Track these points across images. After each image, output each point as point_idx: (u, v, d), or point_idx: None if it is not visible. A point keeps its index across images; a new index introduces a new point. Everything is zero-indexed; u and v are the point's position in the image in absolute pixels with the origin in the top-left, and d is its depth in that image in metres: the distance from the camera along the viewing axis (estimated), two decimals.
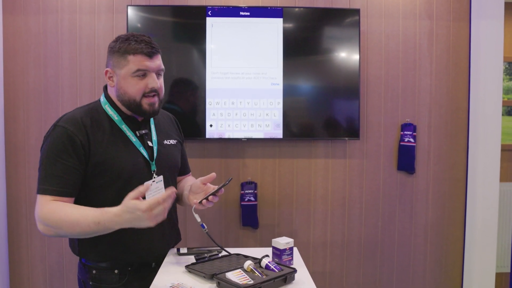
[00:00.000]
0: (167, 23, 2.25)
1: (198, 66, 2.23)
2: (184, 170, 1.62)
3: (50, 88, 2.30)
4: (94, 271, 1.35)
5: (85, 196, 1.30)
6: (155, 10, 2.23)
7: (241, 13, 2.22)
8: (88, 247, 1.34)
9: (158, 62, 1.33)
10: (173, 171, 1.51)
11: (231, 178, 1.37)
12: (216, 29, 2.22)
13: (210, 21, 2.21)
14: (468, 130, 2.42)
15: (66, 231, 1.22)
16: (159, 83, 1.34)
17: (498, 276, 2.55)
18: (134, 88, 1.30)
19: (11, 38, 2.29)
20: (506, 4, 2.38)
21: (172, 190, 1.17)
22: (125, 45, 1.29)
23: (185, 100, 2.24)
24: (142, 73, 1.30)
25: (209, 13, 2.21)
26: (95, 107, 1.37)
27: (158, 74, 1.34)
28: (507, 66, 3.02)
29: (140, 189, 1.16)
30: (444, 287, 2.47)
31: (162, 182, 1.38)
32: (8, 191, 2.32)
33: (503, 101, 2.85)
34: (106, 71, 1.34)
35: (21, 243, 2.34)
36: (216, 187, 1.35)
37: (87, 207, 1.23)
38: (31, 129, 2.31)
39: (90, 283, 1.36)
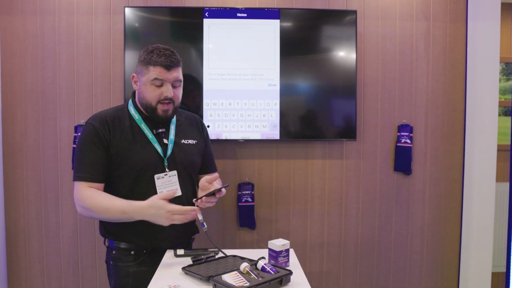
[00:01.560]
0: (164, 25, 2.25)
1: (195, 67, 2.23)
2: (208, 169, 1.75)
3: (47, 89, 2.31)
4: (114, 252, 1.56)
5: (107, 185, 1.52)
6: (152, 12, 2.23)
7: (238, 14, 2.23)
8: (109, 231, 1.55)
9: (175, 74, 1.51)
10: (188, 168, 1.62)
11: (227, 185, 1.55)
12: (213, 30, 2.22)
13: (207, 22, 2.21)
14: (465, 131, 2.43)
15: (98, 215, 1.46)
16: (174, 92, 1.51)
17: (494, 275, 2.56)
18: (151, 94, 1.49)
19: (8, 39, 2.29)
20: (502, 4, 2.39)
21: (197, 210, 1.42)
22: (149, 56, 1.48)
23: (182, 101, 2.24)
24: (159, 83, 1.48)
25: (206, 14, 2.21)
26: (122, 107, 1.59)
27: (174, 85, 1.52)
28: (504, 66, 3.03)
29: (169, 193, 1.44)
30: (440, 287, 2.49)
31: (176, 177, 1.54)
32: (6, 192, 2.32)
33: (500, 102, 2.86)
34: (133, 76, 1.55)
35: (19, 243, 2.34)
36: (217, 187, 1.50)
37: (117, 198, 1.45)
38: (29, 130, 2.31)
39: (111, 262, 1.57)
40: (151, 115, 1.53)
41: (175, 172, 1.54)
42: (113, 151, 1.48)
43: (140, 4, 2.29)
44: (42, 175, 2.32)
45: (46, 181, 2.32)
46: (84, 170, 1.46)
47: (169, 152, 1.54)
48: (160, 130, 1.55)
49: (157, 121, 1.55)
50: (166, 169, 1.52)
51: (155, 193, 1.49)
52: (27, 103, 2.31)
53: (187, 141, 1.62)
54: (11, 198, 2.33)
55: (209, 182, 1.52)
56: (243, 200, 2.32)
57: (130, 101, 1.59)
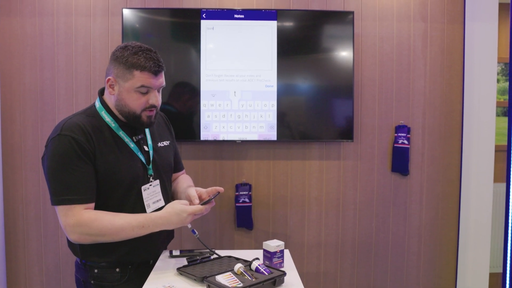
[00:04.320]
0: (162, 26, 2.26)
1: (192, 68, 2.24)
2: (177, 167, 1.66)
3: (46, 90, 2.32)
4: (95, 270, 1.39)
5: None
6: (150, 13, 2.24)
7: (236, 15, 2.23)
8: (89, 249, 1.36)
9: (161, 79, 1.37)
10: (168, 173, 1.56)
11: (218, 193, 1.42)
12: (211, 31, 2.23)
13: (205, 24, 2.22)
14: (462, 131, 2.43)
15: (108, 237, 1.30)
16: (159, 99, 1.38)
17: (492, 276, 2.56)
18: (135, 102, 1.34)
19: (7, 40, 2.30)
20: (500, 5, 2.39)
21: (212, 203, 1.38)
22: (134, 59, 1.30)
23: (179, 102, 2.26)
24: (145, 90, 1.33)
25: (203, 15, 2.22)
26: (93, 113, 1.38)
27: (158, 90, 1.38)
28: (503, 67, 3.03)
29: (187, 200, 1.37)
30: None
31: (159, 186, 1.46)
32: (5, 192, 2.34)
33: (500, 102, 2.86)
34: (108, 79, 1.35)
35: (18, 243, 2.36)
36: (205, 189, 1.44)
37: (126, 214, 1.32)
38: (28, 130, 2.33)
39: (92, 281, 1.39)
40: (132, 123, 1.38)
41: (158, 181, 1.45)
42: (100, 167, 1.31)
43: (138, 5, 2.30)
44: (41, 176, 2.33)
45: (45, 181, 2.33)
46: (75, 191, 1.26)
47: (151, 159, 1.44)
48: (139, 137, 1.43)
49: (134, 128, 1.42)
50: (151, 179, 1.43)
51: (142, 204, 1.40)
52: (26, 104, 2.32)
53: (162, 144, 1.52)
54: (10, 198, 2.34)
55: (198, 194, 1.43)
56: (241, 201, 2.33)
57: (99, 106, 1.39)
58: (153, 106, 1.36)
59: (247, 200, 2.33)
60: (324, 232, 2.43)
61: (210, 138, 2.25)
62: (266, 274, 1.28)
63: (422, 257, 2.47)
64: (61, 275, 2.37)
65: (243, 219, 2.34)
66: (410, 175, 2.43)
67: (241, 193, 2.33)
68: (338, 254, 2.44)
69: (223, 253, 1.51)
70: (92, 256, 1.38)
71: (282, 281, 1.27)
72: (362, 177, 2.42)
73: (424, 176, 2.44)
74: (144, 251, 1.43)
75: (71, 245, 1.41)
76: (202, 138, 2.25)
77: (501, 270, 2.69)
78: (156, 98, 1.36)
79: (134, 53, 1.31)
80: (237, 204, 2.34)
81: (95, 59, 2.31)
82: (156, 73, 1.33)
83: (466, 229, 2.43)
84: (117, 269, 1.39)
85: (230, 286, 1.19)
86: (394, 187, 2.44)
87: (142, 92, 1.33)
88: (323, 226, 2.43)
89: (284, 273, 1.28)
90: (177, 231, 2.13)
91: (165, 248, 1.59)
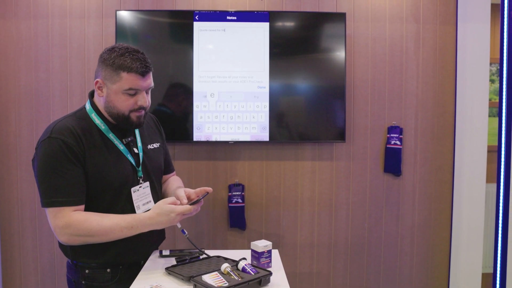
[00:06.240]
0: (155, 28, 2.28)
1: (185, 70, 2.26)
2: (168, 169, 1.67)
3: (41, 91, 2.34)
4: (86, 271, 1.40)
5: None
6: (143, 15, 2.26)
7: (228, 17, 2.25)
8: (80, 250, 1.37)
9: (149, 80, 1.37)
10: (158, 175, 1.57)
11: (207, 193, 1.42)
12: (203, 33, 2.25)
13: (197, 26, 2.24)
14: (455, 132, 2.44)
15: (97, 238, 1.31)
16: (147, 100, 1.38)
17: (485, 276, 2.57)
18: (123, 104, 1.34)
19: (2, 42, 2.32)
20: (493, 5, 2.39)
21: (200, 203, 1.38)
22: (120, 60, 1.30)
23: (172, 103, 2.27)
24: (134, 92, 1.34)
25: (196, 17, 2.24)
26: (82, 116, 1.39)
27: (146, 91, 1.39)
28: (498, 67, 3.03)
29: (173, 199, 1.35)
30: None
31: (149, 188, 1.47)
32: (0, 193, 2.36)
33: (495, 103, 2.86)
34: (97, 81, 1.36)
35: (13, 243, 2.37)
36: (193, 190, 1.43)
37: (115, 215, 1.33)
38: (23, 131, 2.34)
39: (83, 282, 1.40)
40: (121, 124, 1.39)
41: (147, 183, 1.46)
42: (89, 169, 1.32)
43: (132, 7, 2.32)
44: None
45: None
46: (64, 194, 1.27)
47: (141, 161, 1.45)
48: (129, 139, 1.43)
49: (124, 129, 1.42)
50: (141, 181, 1.44)
51: (132, 206, 1.41)
52: (21, 105, 2.34)
53: (152, 146, 1.53)
54: (5, 198, 2.36)
55: (187, 194, 1.42)
56: (234, 201, 2.35)
57: (90, 108, 1.40)
58: (142, 108, 1.37)
59: (240, 200, 2.35)
60: (316, 233, 2.45)
61: (203, 139, 2.27)
62: (253, 273, 1.29)
63: (415, 257, 2.48)
64: (56, 275, 2.39)
65: (236, 220, 2.36)
66: (403, 175, 2.44)
67: (234, 193, 2.35)
68: (331, 254, 2.46)
69: (214, 253, 1.52)
70: (82, 257, 1.39)
71: (268, 281, 1.29)
72: (355, 178, 2.43)
73: (416, 177, 2.45)
74: (135, 252, 1.44)
75: (61, 246, 1.42)
76: (195, 139, 2.26)
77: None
78: (145, 99, 1.37)
79: (121, 54, 1.31)
80: (230, 205, 2.35)
81: (89, 61, 2.33)
82: (143, 74, 1.33)
83: (459, 230, 2.44)
84: (108, 270, 1.40)
85: (216, 285, 1.21)
86: (387, 188, 2.45)
87: (131, 94, 1.34)
88: (316, 226, 2.44)
89: (270, 273, 1.30)
90: (169, 232, 2.15)
91: (157, 249, 1.60)
